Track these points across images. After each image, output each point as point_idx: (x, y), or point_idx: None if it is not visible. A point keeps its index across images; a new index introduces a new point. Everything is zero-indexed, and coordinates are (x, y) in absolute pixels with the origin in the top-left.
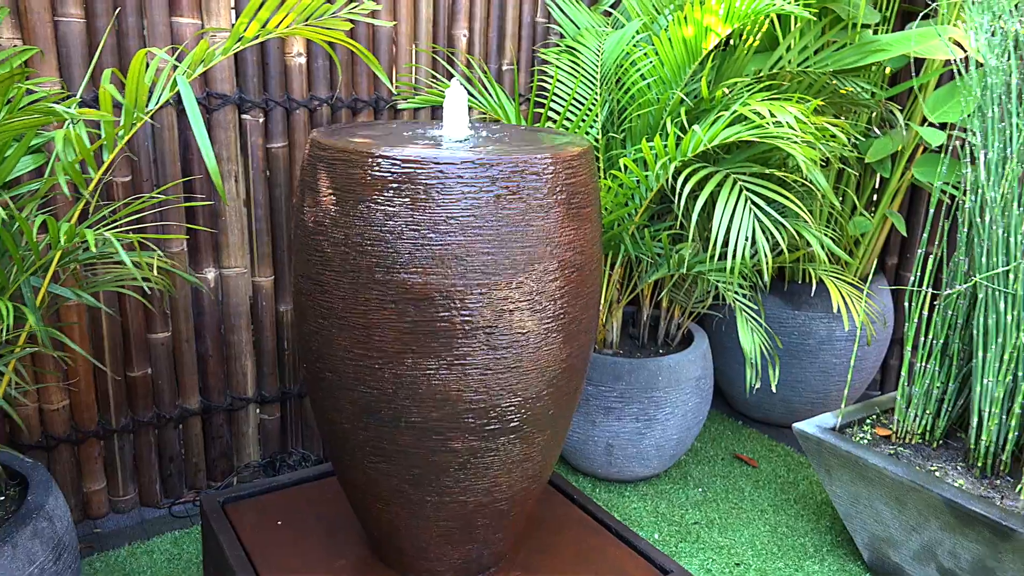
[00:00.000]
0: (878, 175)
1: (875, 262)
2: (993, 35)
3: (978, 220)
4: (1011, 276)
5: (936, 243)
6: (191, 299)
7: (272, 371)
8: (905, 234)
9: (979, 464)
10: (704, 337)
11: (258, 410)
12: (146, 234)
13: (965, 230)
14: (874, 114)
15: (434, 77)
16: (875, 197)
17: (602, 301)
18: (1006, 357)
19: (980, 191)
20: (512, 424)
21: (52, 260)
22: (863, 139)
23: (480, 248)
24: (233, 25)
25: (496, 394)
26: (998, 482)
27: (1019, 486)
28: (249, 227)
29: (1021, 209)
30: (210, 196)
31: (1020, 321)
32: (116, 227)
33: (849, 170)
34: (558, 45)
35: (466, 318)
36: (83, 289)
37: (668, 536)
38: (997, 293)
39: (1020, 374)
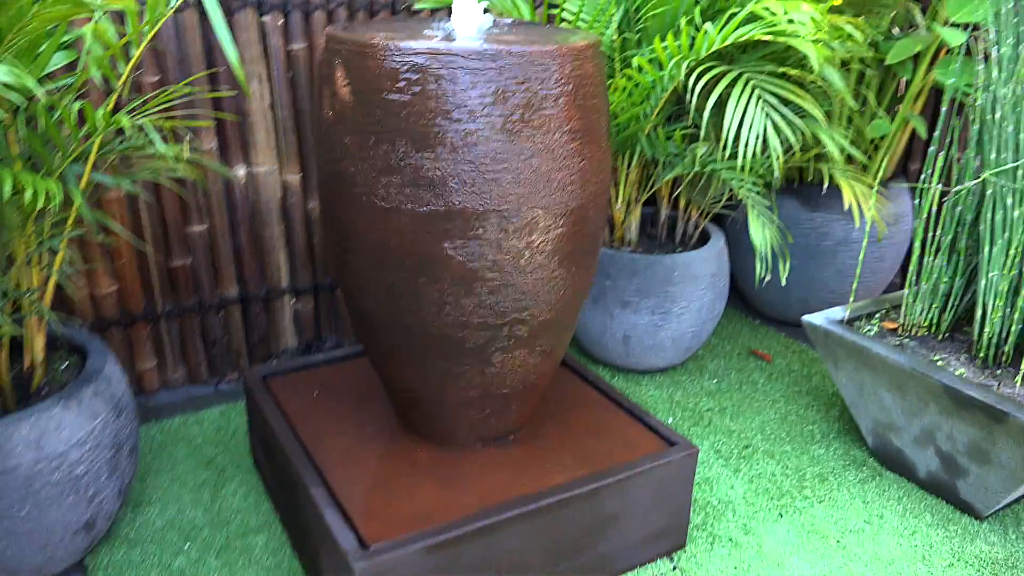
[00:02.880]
0: (901, 79)
1: (895, 166)
2: None
3: (989, 117)
4: (1019, 172)
5: (948, 141)
6: (224, 195)
7: (304, 264)
8: (926, 138)
9: (982, 355)
10: (720, 236)
11: (292, 300)
12: (176, 121)
13: (976, 127)
14: (896, 15)
15: None
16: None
17: (620, 199)
18: (1011, 252)
19: (992, 88)
20: (523, 303)
21: (92, 148)
22: (884, 40)
23: (490, 136)
24: None
25: (509, 272)
26: (999, 372)
27: (1018, 375)
28: (275, 127)
29: None
30: (237, 97)
31: None
32: (148, 117)
33: (870, 71)
34: None
35: (478, 201)
36: (122, 178)
37: (681, 420)
38: (1005, 189)
39: None
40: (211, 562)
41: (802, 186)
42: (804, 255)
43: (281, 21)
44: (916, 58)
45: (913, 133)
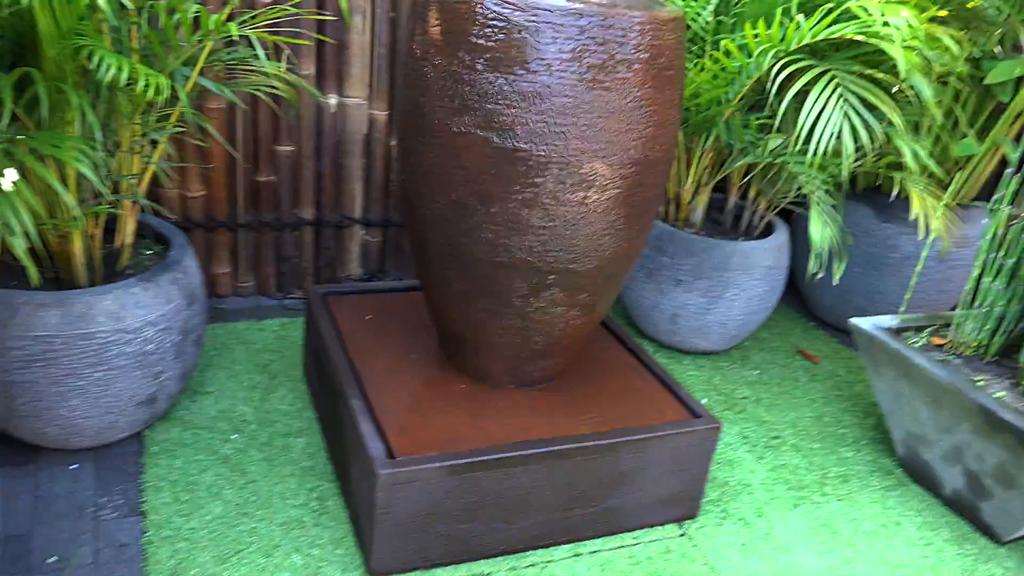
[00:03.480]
0: (999, 101)
1: (979, 190)
2: None
3: None
4: None
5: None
6: (314, 121)
7: (379, 198)
8: (1015, 164)
9: None
10: (784, 230)
11: (363, 231)
12: (281, 38)
13: None
14: (1003, 35)
15: None
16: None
17: (690, 180)
18: None
19: None
20: (572, 255)
21: (202, 53)
22: (987, 60)
23: (563, 91)
24: None
25: (561, 223)
26: None
27: None
28: (371, 63)
29: None
30: (339, 29)
31: None
32: (256, 30)
33: (967, 90)
34: None
35: (542, 152)
36: (225, 86)
37: (715, 403)
38: None
39: None
40: (254, 454)
41: (877, 195)
42: (869, 264)
43: None
44: (1018, 82)
45: (1003, 159)
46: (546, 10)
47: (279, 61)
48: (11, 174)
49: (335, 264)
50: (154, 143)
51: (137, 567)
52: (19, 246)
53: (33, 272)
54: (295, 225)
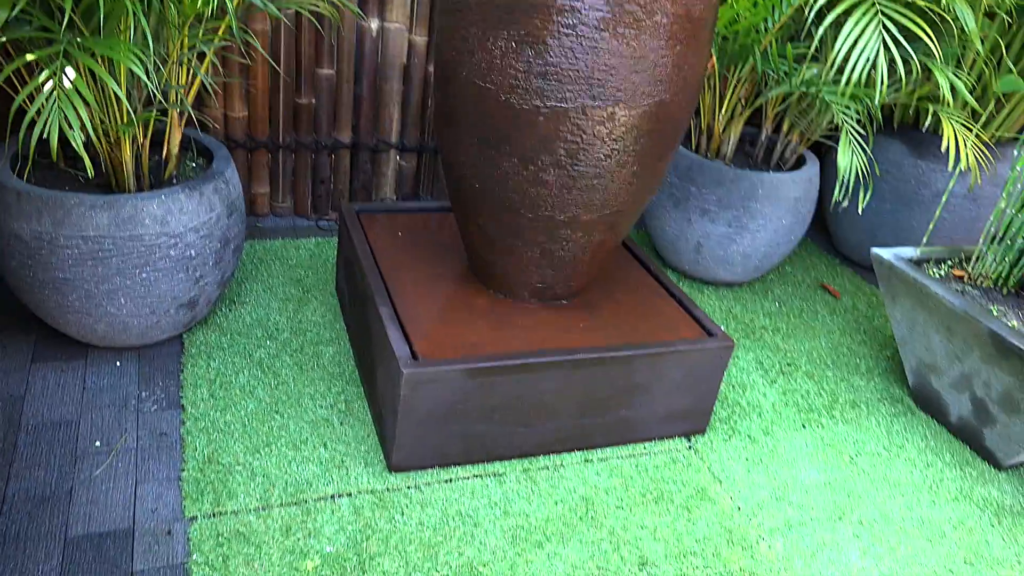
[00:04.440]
0: None
1: (1017, 127)
2: None
3: None
4: None
5: None
6: (355, 45)
7: (415, 124)
8: None
9: None
10: (815, 163)
11: (398, 156)
12: None
13: None
14: None
15: None
16: None
17: (724, 110)
18: None
19: None
20: (598, 169)
21: None
22: None
23: (593, 4)
24: None
25: (589, 138)
26: None
27: None
28: None
29: None
30: None
31: None
32: None
33: (1014, 24)
34: None
35: (573, 66)
36: (271, 2)
37: (733, 331)
38: None
39: None
40: (286, 359)
41: (913, 131)
42: (899, 201)
43: None
44: None
45: None
46: None
47: None
48: (70, 72)
49: (370, 188)
50: (201, 57)
51: (176, 453)
52: (77, 139)
53: (88, 165)
54: (332, 148)
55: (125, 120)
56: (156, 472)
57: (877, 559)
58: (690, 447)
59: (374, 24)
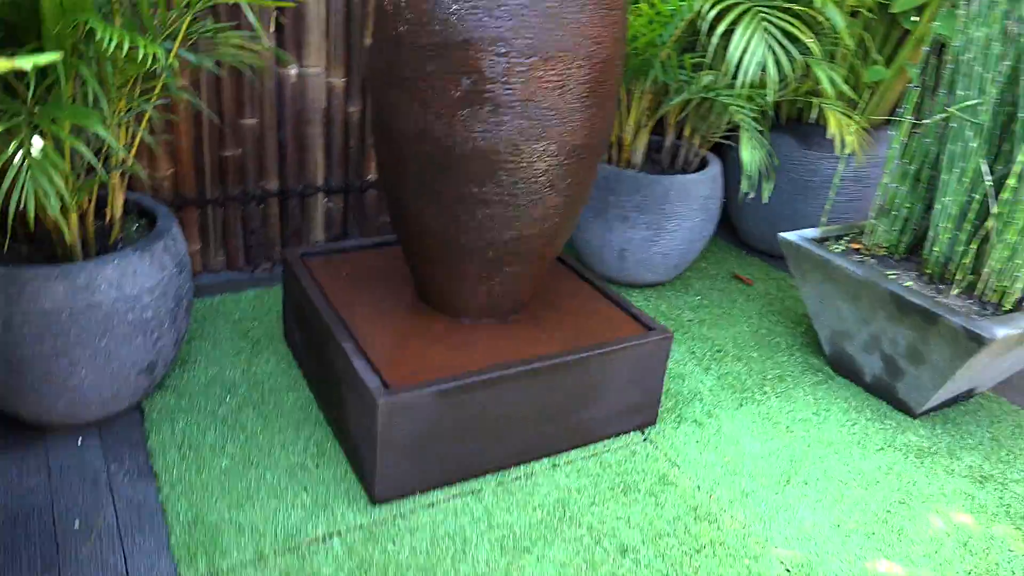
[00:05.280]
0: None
1: (889, 111)
2: None
3: (962, 58)
4: (980, 108)
5: (927, 82)
6: (275, 92)
7: (340, 164)
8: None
9: (929, 272)
10: (717, 163)
11: (325, 198)
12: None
13: (950, 68)
14: None
15: None
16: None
17: (631, 122)
18: (965, 179)
19: (968, 31)
20: (536, 187)
21: (183, 25)
22: None
23: (523, 33)
24: None
25: (526, 162)
26: (942, 287)
27: (955, 288)
28: (327, 32)
29: (997, 48)
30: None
31: (981, 147)
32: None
33: (873, 20)
34: None
35: (507, 91)
36: (204, 57)
37: None
38: (966, 124)
39: (975, 196)
40: (249, 412)
41: (799, 125)
42: (794, 190)
43: None
44: (922, 9)
45: (909, 81)
46: None
47: (250, 32)
48: (38, 142)
49: (300, 233)
50: (139, 117)
51: (158, 521)
52: (54, 207)
53: (67, 234)
54: (261, 197)
55: (74, 187)
56: (143, 544)
57: (826, 512)
58: (645, 438)
59: (293, 70)
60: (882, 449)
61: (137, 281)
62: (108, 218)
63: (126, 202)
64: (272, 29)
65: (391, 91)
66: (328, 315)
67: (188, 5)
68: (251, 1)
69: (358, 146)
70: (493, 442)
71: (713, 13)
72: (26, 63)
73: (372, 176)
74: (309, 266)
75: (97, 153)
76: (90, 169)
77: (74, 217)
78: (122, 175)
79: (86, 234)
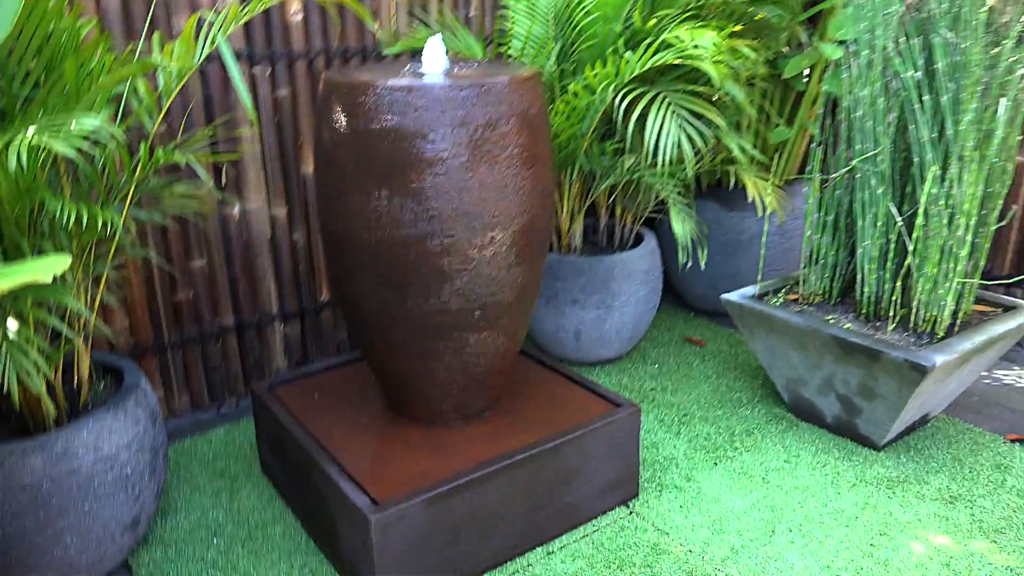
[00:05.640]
0: (798, 91)
1: (797, 168)
2: None
3: (853, 115)
4: (878, 158)
5: (827, 139)
6: (220, 231)
7: (291, 290)
8: (817, 139)
9: (864, 312)
10: (652, 237)
11: (282, 325)
12: (213, 156)
13: (845, 125)
14: (789, 36)
15: (412, 25)
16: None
17: (565, 210)
18: (879, 223)
19: (854, 91)
20: (491, 281)
21: (131, 186)
22: (782, 59)
23: (458, 152)
24: None
25: (477, 261)
26: (878, 324)
27: (891, 324)
28: (264, 167)
29: (882, 103)
30: (229, 144)
31: (887, 193)
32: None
33: (771, 87)
34: None
35: (452, 208)
36: (154, 212)
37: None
38: (869, 173)
39: (891, 237)
40: (239, 551)
41: (721, 190)
42: (726, 251)
43: (269, 71)
44: (811, 72)
45: (811, 138)
46: (431, 88)
47: (192, 181)
48: (12, 323)
49: (262, 363)
50: (96, 280)
51: None
52: (38, 384)
53: (50, 406)
54: (219, 334)
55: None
56: None
57: (813, 555)
58: (631, 512)
59: (235, 209)
60: (855, 485)
61: (113, 440)
62: (75, 381)
63: (90, 362)
64: (222, 180)
65: (343, 214)
66: (307, 442)
67: (137, 167)
68: (200, 160)
69: (308, 270)
70: (486, 540)
71: (625, 103)
72: (45, 273)
73: (326, 297)
74: (279, 396)
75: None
76: (55, 336)
77: (43, 385)
78: (85, 337)
79: (57, 400)
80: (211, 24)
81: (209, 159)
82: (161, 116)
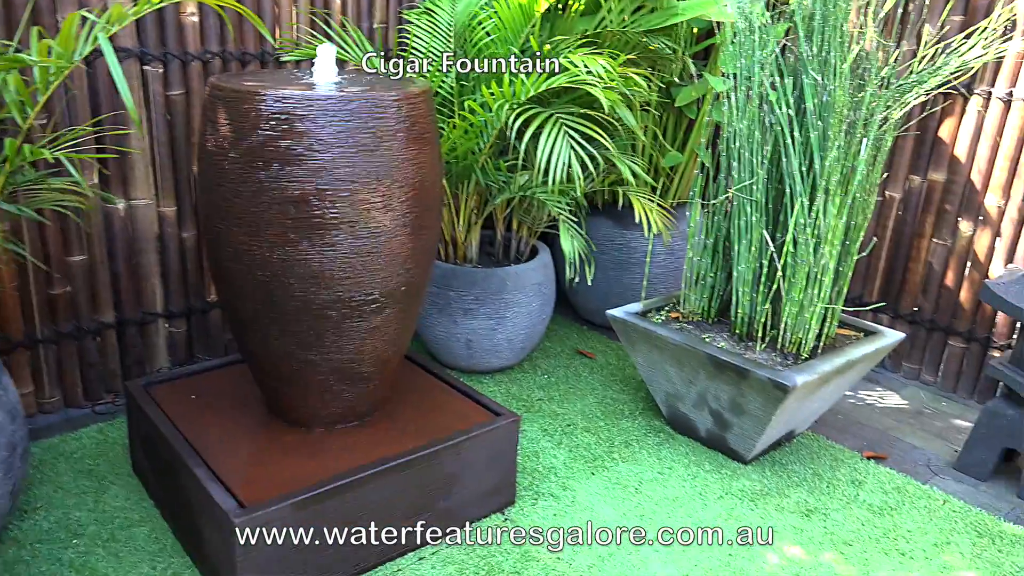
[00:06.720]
0: (689, 118)
1: (688, 191)
2: (739, 7)
3: (732, 146)
4: (754, 188)
5: (708, 167)
6: (104, 226)
7: (178, 289)
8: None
9: (737, 332)
10: (546, 251)
11: (166, 324)
12: (87, 155)
13: (725, 155)
14: (681, 67)
15: (313, 35)
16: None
17: (461, 222)
18: (753, 248)
19: (733, 124)
20: (372, 299)
21: (0, 182)
22: (675, 87)
23: (343, 163)
24: None
25: (359, 267)
26: (750, 344)
27: (760, 344)
28: (153, 164)
29: (758, 135)
30: (117, 139)
31: (761, 220)
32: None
33: (666, 113)
34: (420, 7)
35: (333, 215)
36: (26, 206)
37: (515, 409)
38: (745, 201)
39: (764, 262)
40: (98, 552)
41: (613, 208)
42: (617, 267)
43: (161, 70)
44: (701, 101)
45: (703, 163)
46: (318, 99)
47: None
48: None
49: (143, 361)
50: None
51: None
52: None
53: None
54: (96, 331)
55: None
56: None
57: (675, 565)
58: (506, 519)
59: (120, 204)
60: (721, 497)
61: None
62: None
63: None
64: (96, 176)
65: (220, 223)
66: (177, 442)
67: (5, 161)
68: (71, 156)
69: (196, 269)
70: (357, 545)
71: (519, 123)
72: None
73: (214, 297)
74: (154, 395)
75: None
76: None
77: None
78: None
79: None
80: (93, 23)
81: (85, 157)
82: (35, 112)
